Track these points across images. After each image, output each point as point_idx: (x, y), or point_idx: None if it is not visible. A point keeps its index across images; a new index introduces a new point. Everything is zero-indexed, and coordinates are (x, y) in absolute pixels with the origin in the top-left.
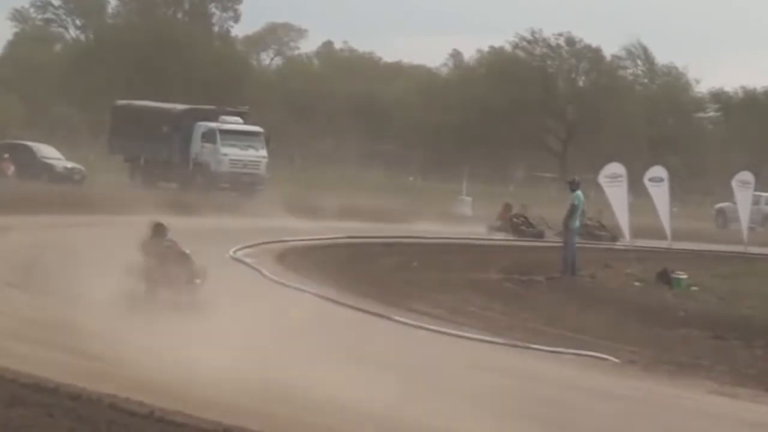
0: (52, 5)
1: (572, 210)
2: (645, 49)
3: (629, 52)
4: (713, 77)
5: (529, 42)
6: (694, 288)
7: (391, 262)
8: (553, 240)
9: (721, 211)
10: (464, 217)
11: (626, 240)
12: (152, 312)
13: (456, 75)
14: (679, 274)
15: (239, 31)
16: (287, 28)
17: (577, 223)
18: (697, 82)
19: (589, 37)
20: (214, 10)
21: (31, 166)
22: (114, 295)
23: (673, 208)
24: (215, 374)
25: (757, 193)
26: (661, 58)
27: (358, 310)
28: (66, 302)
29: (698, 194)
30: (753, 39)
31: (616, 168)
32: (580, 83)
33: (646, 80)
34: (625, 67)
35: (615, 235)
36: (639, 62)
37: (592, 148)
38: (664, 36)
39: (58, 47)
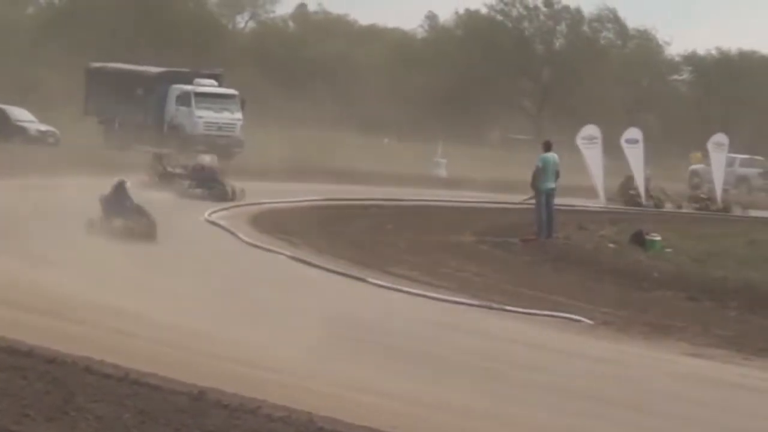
0: None
1: (535, 172)
2: (615, 13)
3: (599, 16)
4: (687, 40)
5: (506, 3)
6: (667, 250)
7: (367, 224)
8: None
9: (695, 173)
10: (440, 179)
11: (601, 202)
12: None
13: (432, 37)
14: (653, 236)
15: None
16: None
17: (549, 185)
18: (667, 44)
19: None
20: None
21: (4, 128)
22: (85, 256)
23: (647, 170)
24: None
25: (731, 154)
26: (634, 21)
27: (333, 272)
28: (38, 265)
29: (673, 156)
30: (726, 2)
31: (591, 130)
32: (557, 45)
33: (619, 42)
34: (599, 30)
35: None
36: (609, 25)
37: (567, 110)
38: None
39: (30, 10)
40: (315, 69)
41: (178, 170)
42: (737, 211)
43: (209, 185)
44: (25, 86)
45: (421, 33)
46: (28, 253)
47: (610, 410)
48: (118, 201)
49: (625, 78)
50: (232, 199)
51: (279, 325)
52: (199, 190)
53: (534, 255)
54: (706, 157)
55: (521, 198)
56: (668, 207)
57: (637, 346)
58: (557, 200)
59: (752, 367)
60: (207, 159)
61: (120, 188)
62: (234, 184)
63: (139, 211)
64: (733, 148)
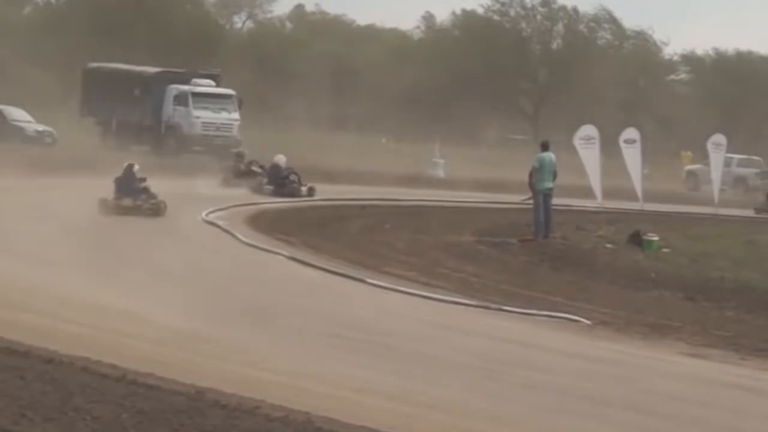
0: None
1: (532, 172)
2: (611, 14)
3: (596, 17)
4: (685, 39)
5: (503, 3)
6: (665, 250)
7: (365, 224)
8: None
9: (691, 173)
10: (437, 179)
11: (598, 201)
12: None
13: (429, 37)
14: (650, 236)
15: None
16: None
17: (547, 185)
18: (665, 44)
19: None
20: None
21: (1, 128)
22: (84, 254)
23: (645, 170)
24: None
25: (729, 155)
26: (632, 20)
27: (331, 272)
28: (37, 264)
29: (670, 156)
30: (724, 2)
31: (589, 130)
32: (554, 46)
33: (616, 42)
34: (596, 30)
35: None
36: (606, 26)
37: (565, 110)
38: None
39: (27, 9)
40: (312, 69)
41: (254, 168)
42: None
43: (281, 182)
44: (22, 86)
45: (418, 33)
46: (30, 257)
47: (608, 410)
48: (127, 182)
49: (622, 78)
50: (305, 196)
51: (277, 326)
52: (271, 187)
53: (532, 255)
54: (705, 158)
55: (520, 198)
56: None
57: (634, 347)
58: (555, 200)
59: (750, 367)
60: (282, 159)
61: (129, 170)
62: (309, 183)
63: (147, 192)
64: (731, 148)
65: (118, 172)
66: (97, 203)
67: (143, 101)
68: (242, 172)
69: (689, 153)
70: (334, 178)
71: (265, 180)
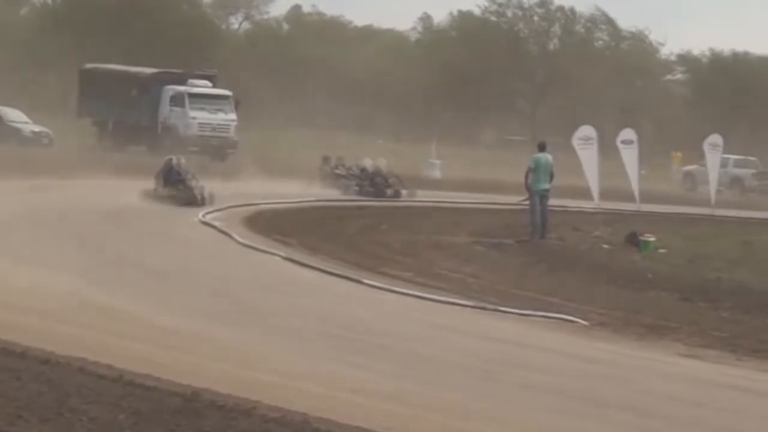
0: None
1: (527, 172)
2: (607, 15)
3: (593, 18)
4: (682, 40)
5: (500, 4)
6: (662, 250)
7: (361, 224)
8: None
9: (689, 174)
10: (434, 180)
11: (595, 202)
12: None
13: (426, 38)
14: (647, 237)
15: None
16: None
17: (543, 186)
18: (661, 45)
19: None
20: None
21: None
22: (80, 255)
23: (642, 170)
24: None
25: (725, 155)
26: (629, 21)
27: (328, 273)
28: (34, 265)
29: (667, 157)
30: (721, 2)
31: (587, 131)
32: (551, 46)
33: (613, 43)
34: (593, 31)
35: None
36: (603, 26)
37: (562, 111)
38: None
39: (24, 10)
40: (309, 70)
41: (338, 171)
42: None
43: (368, 184)
44: (19, 87)
45: (415, 34)
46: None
47: (606, 411)
48: (167, 174)
49: (619, 79)
50: (393, 197)
51: (274, 326)
52: (357, 188)
53: (528, 256)
54: (700, 158)
55: (518, 199)
56: None
57: (631, 347)
58: (551, 201)
59: (747, 368)
60: (369, 162)
61: (168, 164)
62: (402, 186)
63: (184, 183)
64: (728, 148)
65: (160, 166)
66: (141, 192)
67: (140, 102)
68: (329, 174)
69: (679, 154)
70: None
71: (353, 182)
